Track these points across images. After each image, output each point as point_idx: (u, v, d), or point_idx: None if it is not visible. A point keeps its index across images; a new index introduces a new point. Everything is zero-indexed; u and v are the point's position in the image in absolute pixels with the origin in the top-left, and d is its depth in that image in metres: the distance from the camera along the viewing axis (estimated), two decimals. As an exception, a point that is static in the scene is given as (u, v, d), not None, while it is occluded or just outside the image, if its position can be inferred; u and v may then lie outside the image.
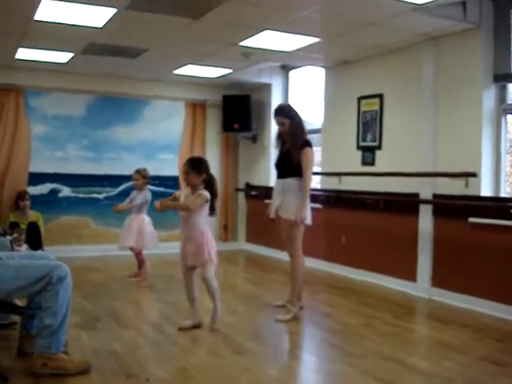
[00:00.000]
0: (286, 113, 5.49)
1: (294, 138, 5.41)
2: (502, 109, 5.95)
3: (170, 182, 9.44)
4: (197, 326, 4.87)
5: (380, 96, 7.13)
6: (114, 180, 9.30)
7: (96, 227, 9.16)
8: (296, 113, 5.50)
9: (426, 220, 6.33)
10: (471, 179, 5.79)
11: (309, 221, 5.37)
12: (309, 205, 5.38)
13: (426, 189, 6.33)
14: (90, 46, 6.90)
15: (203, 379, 3.69)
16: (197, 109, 9.84)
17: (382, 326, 5.07)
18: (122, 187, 9.27)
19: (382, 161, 7.05)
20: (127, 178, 8.83)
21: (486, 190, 5.84)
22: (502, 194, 5.91)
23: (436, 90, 6.32)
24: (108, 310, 5.45)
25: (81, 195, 9.17)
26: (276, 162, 5.65)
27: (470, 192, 5.82)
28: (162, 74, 8.71)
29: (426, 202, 6.31)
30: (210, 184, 4.82)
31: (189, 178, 4.75)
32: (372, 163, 7.19)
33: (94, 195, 9.25)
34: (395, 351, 4.33)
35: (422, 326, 5.54)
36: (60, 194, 9.05)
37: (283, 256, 6.32)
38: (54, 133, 8.93)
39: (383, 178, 6.82)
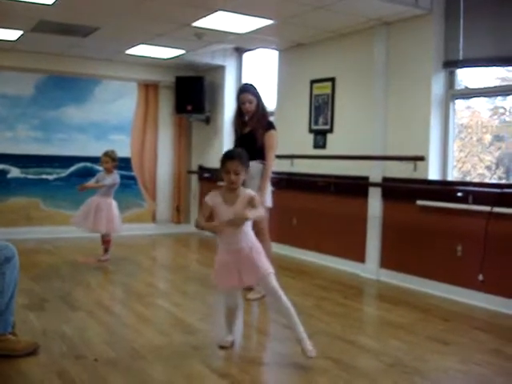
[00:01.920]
0: (254, 91, 5.43)
1: (260, 119, 5.38)
2: (451, 94, 6.06)
3: (122, 163, 9.29)
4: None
5: (332, 80, 7.17)
6: (64, 161, 9.14)
7: (46, 209, 9.01)
8: (260, 94, 5.48)
9: (375, 202, 6.43)
10: (419, 163, 5.90)
11: (269, 203, 5.38)
12: (269, 187, 5.39)
13: (375, 172, 6.43)
14: (40, 23, 6.74)
15: (152, 359, 3.69)
16: (149, 90, 9.74)
17: (332, 307, 5.14)
18: (72, 168, 9.13)
19: (334, 144, 7.11)
20: (78, 159, 8.77)
21: (433, 174, 5.96)
22: (449, 178, 6.03)
23: (387, 74, 6.40)
24: (57, 291, 5.39)
25: (30, 176, 8.99)
26: (236, 144, 5.56)
27: (418, 175, 5.93)
28: (113, 53, 8.59)
29: (375, 184, 6.41)
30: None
31: (239, 180, 3.68)
32: (323, 146, 7.25)
33: (44, 176, 9.08)
34: (344, 331, 4.41)
35: (371, 307, 5.65)
36: (9, 175, 8.85)
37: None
38: (2, 113, 8.72)
39: (334, 161, 6.89)
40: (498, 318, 4.93)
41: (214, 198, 3.75)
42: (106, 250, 6.91)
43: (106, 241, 6.91)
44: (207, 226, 3.75)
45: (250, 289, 5.46)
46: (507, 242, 5.13)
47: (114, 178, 6.89)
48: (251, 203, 3.67)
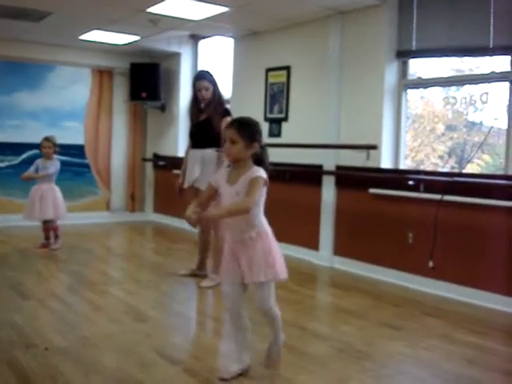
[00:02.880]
0: (210, 78, 5.40)
1: (217, 106, 5.36)
2: (404, 84, 6.14)
3: (75, 150, 9.22)
4: (243, 373, 3.34)
5: (287, 68, 7.18)
6: (16, 148, 8.93)
7: (-3, 197, 8.85)
8: (216, 81, 5.46)
9: (328, 191, 6.49)
10: (372, 152, 5.97)
11: None
12: None
13: (329, 160, 6.48)
14: (-8, 7, 6.60)
15: (104, 347, 3.67)
16: (103, 76, 9.60)
17: (285, 294, 5.16)
18: (24, 156, 8.93)
19: (288, 132, 7.14)
20: (30, 146, 8.58)
21: (386, 163, 6.04)
22: (402, 167, 6.12)
23: (341, 64, 6.44)
24: (8, 280, 5.30)
25: (-19, 163, 8.81)
26: (192, 131, 5.55)
27: (370, 164, 6.00)
28: (67, 39, 8.43)
29: (329, 173, 6.47)
30: (261, 158, 3.22)
31: (235, 150, 3.13)
32: (278, 135, 7.27)
33: (-5, 164, 8.91)
34: (297, 317, 4.45)
35: (323, 293, 5.71)
36: (-42, 162, 8.66)
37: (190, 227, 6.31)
38: (-48, 98, 8.52)
39: (289, 149, 6.91)
40: (447, 304, 5.03)
41: (218, 177, 3.27)
42: (56, 238, 6.84)
43: (53, 228, 6.83)
44: (185, 214, 3.16)
45: (204, 276, 5.49)
46: (456, 230, 5.25)
47: (56, 164, 6.82)
48: (248, 186, 3.07)
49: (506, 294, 4.87)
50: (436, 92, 6.29)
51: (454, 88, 5.98)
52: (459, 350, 3.87)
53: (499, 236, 4.96)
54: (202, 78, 5.41)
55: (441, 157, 6.35)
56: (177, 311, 4.72)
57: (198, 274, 5.61)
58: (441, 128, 6.37)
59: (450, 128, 6.28)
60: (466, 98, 5.72)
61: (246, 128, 3.18)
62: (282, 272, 3.22)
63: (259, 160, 3.20)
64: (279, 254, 3.26)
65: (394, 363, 3.66)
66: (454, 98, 5.87)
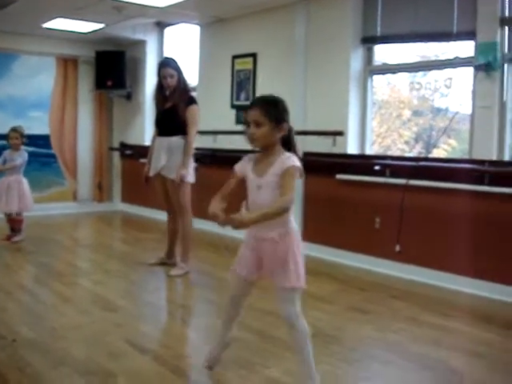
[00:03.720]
0: (175, 66, 5.35)
1: (182, 93, 5.32)
2: (369, 70, 6.18)
3: (41, 141, 9.09)
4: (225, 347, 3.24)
5: (253, 55, 7.18)
6: (-20, 139, 8.81)
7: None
8: (181, 68, 5.42)
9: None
10: (339, 138, 6.01)
11: (191, 179, 5.36)
12: (192, 163, 5.37)
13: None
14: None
15: (73, 338, 3.65)
16: (68, 65, 9.46)
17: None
18: (-12, 146, 8.81)
19: (256, 120, 7.13)
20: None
21: (352, 148, 6.09)
22: (368, 152, 6.17)
23: (307, 50, 6.46)
24: (-26, 273, 5.26)
25: None
26: (157, 119, 5.50)
27: (337, 150, 6.05)
28: (30, 27, 8.28)
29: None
30: (289, 141, 2.82)
31: (260, 134, 2.71)
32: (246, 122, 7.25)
33: (-42, 155, 8.74)
34: (267, 304, 4.43)
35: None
36: None
37: (159, 215, 6.32)
38: None
39: (257, 136, 6.91)
40: (414, 287, 5.11)
41: (244, 165, 2.88)
42: (18, 231, 6.75)
43: (17, 220, 6.75)
44: (210, 210, 2.76)
45: (173, 264, 5.48)
46: (422, 214, 5.32)
47: (24, 156, 6.71)
48: (282, 180, 2.65)
49: (472, 275, 4.96)
50: (402, 78, 6.35)
51: (419, 74, 6.03)
52: (426, 332, 3.93)
53: (464, 219, 5.04)
54: (166, 65, 5.36)
55: (407, 142, 6.41)
56: (146, 300, 4.71)
57: (167, 262, 5.60)
58: (407, 114, 6.43)
59: (416, 113, 6.35)
60: (430, 84, 5.79)
61: (273, 106, 2.76)
62: (303, 279, 2.83)
63: (288, 144, 2.79)
64: (301, 258, 2.84)
65: (362, 347, 3.71)
66: (420, 83, 5.93)
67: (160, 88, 5.42)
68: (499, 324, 4.15)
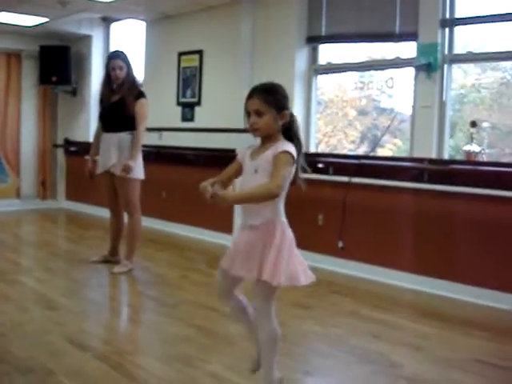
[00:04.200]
0: (125, 58, 5.27)
1: (131, 87, 5.25)
2: (314, 69, 6.25)
3: (-18, 137, 8.90)
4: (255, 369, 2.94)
5: (200, 52, 7.18)
6: None
7: None
8: (130, 62, 5.34)
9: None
10: (284, 135, 6.04)
11: (141, 175, 5.31)
12: (140, 158, 5.30)
13: (242, 145, 6.42)
14: None
15: (13, 336, 3.58)
16: (11, 59, 9.25)
17: (198, 277, 5.21)
18: None
19: (202, 117, 7.15)
20: None
21: (297, 146, 6.13)
22: (312, 151, 6.24)
23: (253, 48, 6.49)
24: None
25: None
26: (103, 114, 5.39)
27: (282, 148, 6.07)
28: (-29, 20, 8.11)
29: (242, 157, 6.51)
30: (290, 129, 2.68)
31: (262, 123, 2.59)
32: (191, 119, 7.26)
33: None
34: (210, 299, 4.47)
35: (236, 276, 5.77)
36: None
37: (103, 213, 6.24)
38: None
39: (202, 133, 6.92)
40: (356, 282, 5.20)
41: (244, 152, 2.76)
42: None
43: None
44: (202, 184, 2.56)
45: (117, 262, 5.43)
46: (364, 211, 5.41)
47: None
48: (273, 164, 2.52)
49: (411, 271, 5.07)
50: (348, 78, 6.43)
51: (364, 74, 6.12)
52: (366, 326, 4.01)
53: (405, 216, 5.15)
54: (116, 57, 5.28)
55: (353, 142, 6.49)
56: (88, 298, 4.66)
57: (111, 260, 5.54)
58: (352, 113, 6.52)
59: (361, 113, 6.44)
60: (373, 83, 5.90)
61: (274, 94, 2.63)
62: (281, 278, 2.58)
63: (288, 131, 2.66)
64: (295, 257, 2.72)
65: (305, 341, 3.75)
66: (363, 83, 6.03)
67: (108, 80, 5.32)
68: (438, 318, 4.26)
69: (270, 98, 2.59)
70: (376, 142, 6.09)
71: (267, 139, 2.63)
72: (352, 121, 6.50)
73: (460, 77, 5.47)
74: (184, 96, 7.39)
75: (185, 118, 7.34)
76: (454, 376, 3.22)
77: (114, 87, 5.28)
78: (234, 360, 3.31)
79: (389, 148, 6.10)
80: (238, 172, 2.74)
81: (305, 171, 2.74)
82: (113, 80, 5.26)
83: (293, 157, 2.55)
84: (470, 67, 5.44)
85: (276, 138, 2.62)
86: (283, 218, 2.67)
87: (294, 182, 2.71)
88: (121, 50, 5.51)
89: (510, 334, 4.00)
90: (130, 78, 5.27)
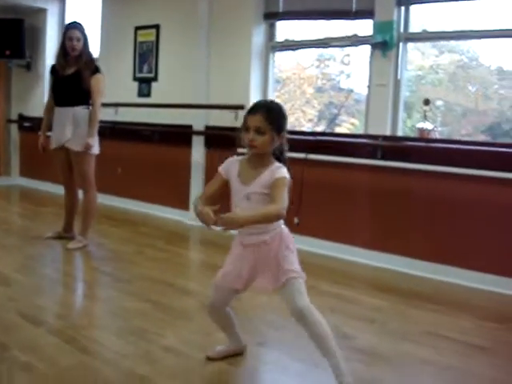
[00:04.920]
0: (82, 30, 5.15)
1: (88, 60, 5.15)
2: (271, 46, 6.24)
3: None
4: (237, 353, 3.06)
5: (156, 27, 7.10)
6: None
7: None
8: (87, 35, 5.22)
9: (198, 151, 6.53)
10: (241, 112, 6.03)
11: (96, 150, 5.23)
12: (97, 134, 5.22)
13: (198, 121, 6.51)
14: None
15: (-36, 313, 3.55)
16: (-38, 32, 9.02)
17: (153, 253, 5.20)
18: None
19: (158, 92, 7.08)
20: None
21: (254, 123, 6.14)
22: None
23: (210, 24, 6.44)
24: None
25: None
26: (56, 86, 5.24)
27: (239, 124, 6.05)
28: None
29: (198, 133, 6.50)
30: (280, 152, 2.69)
31: (261, 143, 2.55)
32: (148, 95, 7.20)
33: None
34: (164, 274, 4.49)
35: (192, 251, 5.81)
36: None
37: (58, 189, 6.16)
38: None
39: (159, 109, 6.86)
40: (313, 258, 5.24)
41: (229, 167, 2.73)
42: None
43: None
44: (199, 211, 2.53)
45: (71, 238, 5.38)
46: (320, 187, 5.46)
47: None
48: (274, 189, 2.50)
49: (367, 247, 5.16)
50: (305, 55, 6.44)
51: (322, 51, 6.13)
52: (323, 300, 4.03)
53: (360, 192, 5.22)
54: (74, 27, 5.14)
55: (311, 120, 6.52)
56: (42, 273, 4.61)
57: (65, 236, 5.49)
58: (310, 91, 6.53)
59: (318, 91, 6.46)
60: (330, 61, 5.92)
61: (277, 115, 2.62)
62: (297, 270, 2.67)
63: (277, 152, 2.66)
64: (295, 252, 2.71)
65: (258, 314, 3.78)
66: (320, 60, 6.04)
67: (63, 52, 5.16)
68: (393, 292, 4.35)
69: (272, 118, 2.57)
70: (331, 120, 6.13)
71: (258, 160, 2.61)
72: (310, 99, 6.52)
73: (418, 58, 5.53)
74: (140, 71, 7.31)
75: (141, 94, 7.27)
76: (405, 347, 3.29)
77: (69, 59, 5.16)
78: (189, 334, 3.33)
79: (346, 127, 6.14)
80: (222, 189, 2.73)
81: None
82: (68, 51, 5.12)
83: (290, 182, 2.54)
84: (427, 49, 5.51)
85: (268, 159, 2.61)
86: (283, 226, 2.70)
87: None
88: (78, 21, 5.38)
89: (461, 308, 4.09)
90: (86, 51, 5.17)
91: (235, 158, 2.77)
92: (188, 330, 3.40)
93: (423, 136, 5.01)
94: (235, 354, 3.02)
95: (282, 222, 2.66)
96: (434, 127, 5.00)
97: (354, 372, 2.67)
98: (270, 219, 2.52)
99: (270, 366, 3.03)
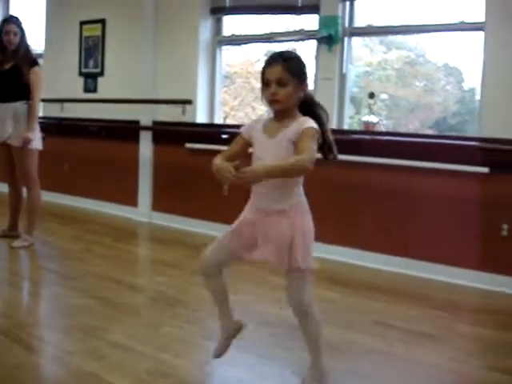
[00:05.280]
0: (19, 24, 5.04)
1: (26, 54, 5.04)
2: (218, 40, 6.24)
3: None
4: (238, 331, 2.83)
5: (102, 21, 7.01)
6: None
7: None
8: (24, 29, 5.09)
9: (146, 146, 6.49)
10: (188, 107, 6.03)
11: (39, 145, 5.12)
12: (38, 128, 5.12)
13: (146, 116, 6.46)
14: None
15: None
16: None
17: (101, 250, 5.15)
18: None
19: (105, 88, 7.00)
20: None
21: (201, 117, 6.14)
22: (216, 121, 6.26)
23: (157, 19, 6.40)
24: None
25: None
26: None
27: (186, 119, 6.07)
28: None
29: (146, 128, 6.46)
30: (307, 103, 2.46)
31: (284, 95, 2.34)
32: (94, 90, 7.11)
33: None
34: (113, 271, 4.45)
35: (140, 248, 5.77)
36: None
37: (2, 187, 6.03)
38: None
39: (106, 105, 6.78)
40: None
41: (251, 126, 2.50)
42: None
43: None
44: (218, 166, 2.33)
45: (16, 236, 5.28)
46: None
47: None
48: (300, 140, 2.29)
49: (318, 240, 5.11)
50: (253, 50, 6.46)
51: (270, 46, 6.15)
52: (272, 293, 4.06)
53: (308, 185, 5.18)
54: (10, 21, 5.04)
55: (260, 116, 6.51)
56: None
57: (10, 234, 5.38)
58: (259, 86, 6.53)
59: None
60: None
61: (297, 62, 2.40)
62: (312, 260, 2.46)
63: (304, 106, 2.44)
64: (311, 237, 2.49)
65: (206, 308, 3.75)
66: (266, 55, 6.05)
67: (1, 47, 5.05)
68: (344, 284, 4.42)
69: (293, 67, 2.35)
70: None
71: (283, 115, 2.40)
72: (259, 94, 6.51)
73: (366, 54, 5.61)
74: (86, 66, 7.21)
75: (87, 89, 7.17)
76: (352, 337, 3.34)
77: (6, 54, 5.03)
78: (137, 329, 3.31)
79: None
80: (244, 149, 2.50)
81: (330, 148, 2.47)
82: (5, 45, 5.02)
83: (318, 133, 2.33)
84: (375, 45, 5.59)
85: (293, 113, 2.40)
86: (304, 198, 2.50)
87: (325, 158, 2.48)
88: (15, 15, 5.28)
89: (409, 297, 4.18)
90: (23, 45, 5.07)
91: (256, 119, 2.60)
92: (136, 324, 3.39)
93: (368, 129, 5.08)
94: (235, 334, 2.78)
95: (302, 192, 2.48)
96: (379, 120, 5.08)
97: (303, 361, 2.70)
98: (295, 171, 2.28)
99: (219, 358, 3.03)
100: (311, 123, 2.32)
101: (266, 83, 2.38)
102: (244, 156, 2.49)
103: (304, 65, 2.41)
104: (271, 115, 2.47)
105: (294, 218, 2.41)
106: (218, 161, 2.35)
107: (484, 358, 3.14)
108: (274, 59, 2.37)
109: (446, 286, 4.50)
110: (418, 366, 3.00)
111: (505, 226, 4.40)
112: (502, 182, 4.40)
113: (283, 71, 2.32)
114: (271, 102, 2.38)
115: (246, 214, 2.51)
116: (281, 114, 2.40)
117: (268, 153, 2.36)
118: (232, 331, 2.77)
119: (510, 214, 4.40)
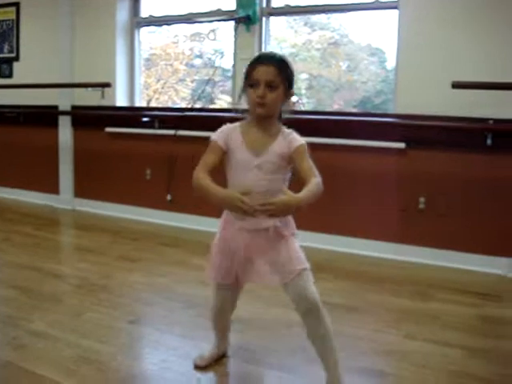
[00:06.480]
0: None
1: None
2: (136, 22, 6.14)
3: None
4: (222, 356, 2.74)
5: (16, 4, 6.78)
6: None
7: None
8: None
9: (65, 132, 6.35)
10: (107, 90, 5.91)
11: None
12: None
13: (64, 100, 6.31)
14: None
15: None
16: None
17: (21, 239, 5.03)
18: None
19: (21, 73, 6.79)
20: None
21: (121, 101, 6.05)
22: (137, 104, 6.18)
23: (73, 0, 6.23)
24: None
25: None
26: None
27: (106, 103, 5.96)
28: None
29: (64, 113, 6.31)
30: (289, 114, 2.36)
31: (272, 99, 2.18)
32: (10, 75, 6.89)
33: None
34: (33, 260, 4.35)
35: (63, 235, 5.65)
36: None
37: None
38: None
39: (22, 90, 6.57)
40: (185, 234, 5.30)
41: (228, 136, 2.29)
42: None
43: None
44: (219, 193, 2.13)
45: None
46: (191, 163, 5.43)
47: None
48: (299, 160, 2.21)
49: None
50: (175, 31, 6.38)
51: (193, 27, 6.09)
52: (193, 274, 4.08)
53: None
54: None
55: (184, 98, 6.47)
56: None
57: None
58: (181, 68, 6.49)
59: (191, 67, 6.42)
60: (201, 37, 5.89)
61: (289, 68, 2.24)
62: (303, 260, 2.34)
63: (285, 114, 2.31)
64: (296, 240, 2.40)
65: (130, 292, 3.76)
66: (190, 36, 6.01)
67: None
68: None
69: (285, 71, 2.21)
70: (198, 96, 6.08)
71: (266, 122, 2.24)
72: (182, 76, 6.47)
73: (291, 36, 5.63)
74: (1, 51, 6.97)
75: (2, 75, 6.94)
76: (275, 312, 3.37)
77: None
78: (58, 316, 3.25)
79: (220, 104, 6.16)
80: (221, 160, 2.30)
81: None
82: None
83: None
84: (300, 27, 5.61)
85: (275, 122, 2.27)
86: None
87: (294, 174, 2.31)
88: None
89: (332, 273, 4.24)
90: None
91: (230, 125, 2.33)
92: (57, 312, 3.32)
93: (289, 108, 5.11)
94: (219, 358, 2.72)
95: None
96: (298, 99, 5.13)
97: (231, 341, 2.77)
98: (319, 195, 2.14)
99: (143, 341, 3.02)
100: (300, 138, 2.25)
101: (252, 83, 2.20)
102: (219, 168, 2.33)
103: (292, 70, 2.26)
104: (247, 121, 2.31)
105: (284, 229, 2.33)
106: (200, 174, 2.22)
107: (406, 328, 3.22)
108: (267, 58, 2.22)
109: (367, 260, 4.62)
110: (342, 338, 3.06)
111: (422, 199, 4.54)
112: (418, 156, 4.53)
113: (276, 74, 2.17)
114: (257, 104, 2.18)
115: (225, 235, 2.44)
116: (263, 121, 2.24)
117: (250, 173, 2.24)
118: (221, 353, 2.74)
119: (426, 188, 4.54)
